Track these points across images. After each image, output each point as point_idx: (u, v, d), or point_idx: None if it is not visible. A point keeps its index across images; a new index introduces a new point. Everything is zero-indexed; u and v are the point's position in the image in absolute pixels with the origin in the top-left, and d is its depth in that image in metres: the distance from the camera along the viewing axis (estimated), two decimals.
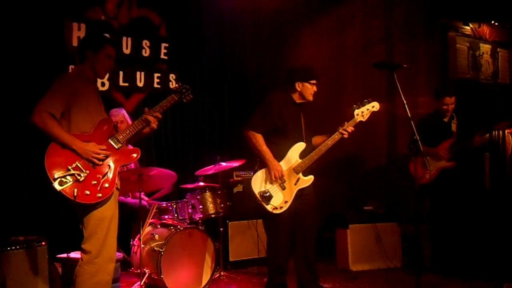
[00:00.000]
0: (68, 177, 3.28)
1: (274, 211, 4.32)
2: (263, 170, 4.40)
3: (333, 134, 4.40)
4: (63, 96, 3.39)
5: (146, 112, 3.74)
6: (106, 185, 3.41)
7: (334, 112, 6.89)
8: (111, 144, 3.52)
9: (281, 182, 4.34)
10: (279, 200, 4.34)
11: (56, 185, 3.25)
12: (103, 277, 3.45)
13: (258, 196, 4.32)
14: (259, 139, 4.43)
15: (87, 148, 3.36)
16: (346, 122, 4.41)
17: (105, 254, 3.45)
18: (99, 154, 3.40)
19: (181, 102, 3.96)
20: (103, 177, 3.41)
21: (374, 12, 7.10)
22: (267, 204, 4.32)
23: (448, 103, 5.50)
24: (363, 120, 4.45)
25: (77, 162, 3.33)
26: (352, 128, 4.40)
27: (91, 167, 3.38)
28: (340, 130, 4.38)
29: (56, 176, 3.26)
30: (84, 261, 3.44)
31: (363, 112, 4.44)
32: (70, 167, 3.31)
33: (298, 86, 4.49)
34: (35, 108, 3.33)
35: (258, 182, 4.38)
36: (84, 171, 3.34)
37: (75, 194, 3.27)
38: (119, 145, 3.55)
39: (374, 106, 4.47)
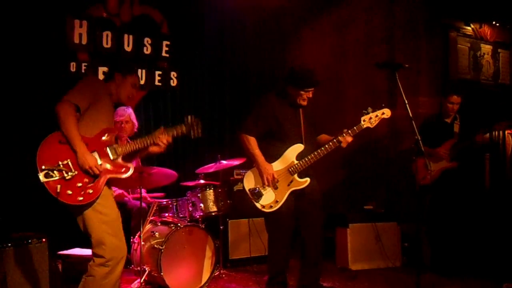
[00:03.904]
0: (55, 171, 3.26)
1: (263, 210, 4.34)
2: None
3: (333, 139, 4.34)
4: (90, 94, 3.44)
5: (161, 131, 3.71)
6: (90, 191, 3.35)
7: (335, 112, 6.91)
8: (107, 153, 3.51)
9: (273, 184, 4.35)
10: (270, 199, 4.35)
11: (41, 176, 3.24)
12: (114, 277, 3.44)
13: (248, 193, 4.35)
14: (252, 142, 4.44)
15: (87, 157, 3.33)
16: (345, 130, 4.32)
17: (117, 256, 3.44)
18: (94, 169, 3.35)
19: (188, 136, 3.83)
20: (90, 183, 3.36)
21: (376, 12, 7.11)
22: (257, 202, 4.34)
23: (454, 102, 5.51)
24: (371, 126, 4.33)
25: (69, 160, 3.32)
26: (351, 138, 4.32)
27: (80, 168, 3.34)
28: (339, 138, 4.31)
29: (43, 167, 3.25)
30: (96, 263, 3.42)
31: (372, 118, 4.32)
32: (60, 163, 3.29)
33: (290, 90, 4.45)
34: (63, 97, 3.34)
35: (250, 179, 4.42)
36: (73, 170, 3.31)
37: (58, 191, 3.25)
38: (115, 156, 3.52)
39: (385, 113, 4.35)
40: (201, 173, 5.45)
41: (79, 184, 3.33)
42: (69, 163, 3.32)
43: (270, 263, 4.55)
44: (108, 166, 3.49)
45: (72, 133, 3.31)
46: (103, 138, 3.51)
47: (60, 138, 3.34)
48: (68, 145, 3.33)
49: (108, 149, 3.51)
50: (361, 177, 7.08)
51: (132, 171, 3.60)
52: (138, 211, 4.96)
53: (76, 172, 3.32)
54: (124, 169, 3.58)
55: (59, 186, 3.25)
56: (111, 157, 3.51)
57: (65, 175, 3.29)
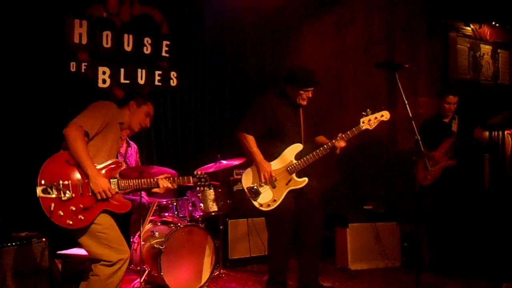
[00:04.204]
0: (54, 189, 3.23)
1: (261, 208, 4.36)
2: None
3: (328, 143, 4.36)
4: (100, 121, 3.40)
5: (163, 178, 3.73)
6: (82, 217, 3.30)
7: (335, 112, 6.91)
8: (109, 185, 3.46)
9: (271, 182, 4.35)
10: (268, 198, 4.36)
11: (38, 190, 3.20)
12: (118, 276, 3.44)
13: (246, 191, 4.37)
14: (250, 141, 4.45)
15: (99, 180, 3.32)
16: (340, 134, 4.34)
17: (122, 257, 3.43)
18: (107, 192, 3.35)
19: (194, 187, 3.96)
20: (84, 209, 3.32)
21: (375, 12, 7.11)
22: (255, 200, 4.36)
23: (451, 102, 5.52)
24: (370, 128, 4.36)
25: (70, 182, 3.29)
26: (344, 144, 4.34)
27: (79, 193, 3.31)
28: (333, 143, 4.33)
29: (43, 182, 3.22)
30: (102, 263, 3.41)
31: (371, 120, 4.34)
32: (61, 182, 3.26)
33: (289, 90, 4.47)
34: (73, 120, 3.31)
35: (249, 178, 4.44)
36: (71, 193, 3.28)
37: (51, 209, 3.21)
38: (117, 190, 3.48)
39: (384, 115, 4.38)
40: None
41: (73, 208, 3.28)
42: (70, 184, 3.29)
43: (270, 263, 4.56)
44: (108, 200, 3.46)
45: (82, 158, 3.28)
46: (110, 169, 3.49)
47: (67, 158, 3.31)
48: (74, 166, 3.31)
49: (111, 181, 3.47)
50: (361, 177, 7.09)
51: (128, 210, 3.56)
52: (138, 206, 4.96)
53: (73, 195, 3.29)
54: (122, 205, 3.52)
55: (53, 205, 3.21)
56: (114, 191, 3.47)
57: (62, 195, 3.25)
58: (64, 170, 3.29)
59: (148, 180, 3.68)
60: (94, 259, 3.42)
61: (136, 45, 6.37)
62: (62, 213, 3.24)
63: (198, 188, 4.02)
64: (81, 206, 3.31)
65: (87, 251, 3.44)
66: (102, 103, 3.55)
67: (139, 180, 3.64)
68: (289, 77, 4.45)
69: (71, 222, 3.27)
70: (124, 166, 3.61)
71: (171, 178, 3.77)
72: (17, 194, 5.13)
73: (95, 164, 3.37)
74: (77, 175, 3.32)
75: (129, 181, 3.58)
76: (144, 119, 3.77)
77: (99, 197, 3.34)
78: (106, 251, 3.38)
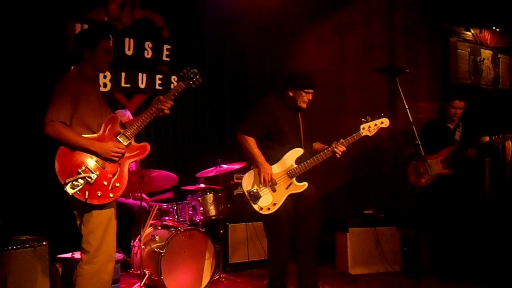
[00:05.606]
0: (79, 180, 3.29)
1: (261, 212, 4.35)
2: (256, 169, 4.43)
3: (329, 147, 4.37)
4: (69, 101, 3.37)
5: (161, 100, 3.64)
6: (117, 184, 3.42)
7: (335, 117, 6.91)
8: (120, 142, 3.51)
9: (271, 185, 4.36)
10: (268, 202, 4.36)
11: (68, 189, 3.26)
12: (103, 276, 3.45)
13: (246, 194, 4.36)
14: (250, 142, 4.45)
15: (106, 148, 3.38)
16: (341, 140, 4.36)
17: (104, 253, 3.45)
18: (118, 151, 3.42)
19: (190, 88, 3.84)
20: (114, 176, 3.42)
21: (376, 17, 7.13)
22: (255, 204, 4.35)
23: (457, 107, 5.49)
24: (370, 135, 4.38)
25: (86, 164, 3.34)
26: (344, 148, 4.36)
27: (100, 168, 3.38)
28: (334, 146, 4.34)
29: (67, 180, 3.27)
30: (83, 261, 3.44)
31: (370, 127, 4.37)
32: (80, 170, 3.31)
33: (291, 92, 4.48)
34: (44, 119, 3.32)
35: (249, 181, 4.42)
36: (94, 172, 3.34)
37: (87, 197, 3.29)
38: (128, 141, 3.54)
39: (383, 122, 4.40)
40: (201, 177, 5.46)
41: (105, 182, 3.38)
42: (88, 167, 3.34)
43: (269, 267, 4.56)
44: (126, 154, 3.51)
45: (76, 142, 3.32)
46: (110, 129, 3.51)
47: (68, 148, 3.34)
48: (79, 151, 3.34)
49: (119, 138, 3.51)
50: (361, 181, 7.09)
51: (148, 150, 3.63)
52: (139, 212, 4.96)
53: (98, 172, 3.36)
54: (141, 150, 3.61)
55: (87, 192, 3.30)
56: (125, 144, 3.52)
57: (89, 179, 3.32)
58: (74, 159, 3.34)
59: (147, 114, 3.61)
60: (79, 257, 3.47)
61: (137, 49, 6.38)
62: (100, 193, 3.35)
63: (192, 84, 3.85)
64: (110, 176, 3.41)
65: (83, 226, 3.44)
66: (59, 84, 3.46)
67: (140, 119, 3.61)
68: (290, 79, 4.47)
69: (112, 195, 3.39)
70: (119, 118, 3.59)
71: (165, 97, 3.66)
72: (17, 197, 5.13)
73: (94, 134, 3.43)
74: (88, 156, 3.36)
75: (133, 126, 3.58)
76: (105, 56, 3.61)
77: (116, 160, 3.42)
78: (94, 234, 3.40)
